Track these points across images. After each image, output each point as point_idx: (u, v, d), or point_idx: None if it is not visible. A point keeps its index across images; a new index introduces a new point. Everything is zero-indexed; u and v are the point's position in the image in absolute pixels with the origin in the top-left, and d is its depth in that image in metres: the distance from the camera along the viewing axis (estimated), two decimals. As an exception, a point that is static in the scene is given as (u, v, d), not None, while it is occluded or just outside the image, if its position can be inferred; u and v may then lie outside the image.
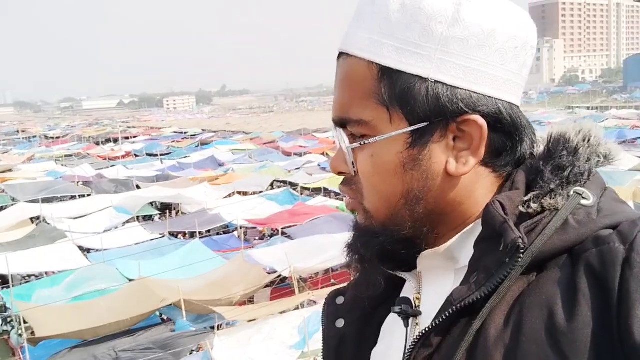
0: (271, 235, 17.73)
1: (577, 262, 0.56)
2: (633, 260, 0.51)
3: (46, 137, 67.62)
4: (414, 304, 0.69)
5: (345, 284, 0.85)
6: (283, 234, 16.33)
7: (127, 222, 19.90)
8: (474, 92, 0.62)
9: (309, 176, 25.60)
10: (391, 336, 0.73)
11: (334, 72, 0.70)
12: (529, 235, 0.58)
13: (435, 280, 0.69)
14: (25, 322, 11.10)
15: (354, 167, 0.67)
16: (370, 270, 0.74)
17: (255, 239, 18.19)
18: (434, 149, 0.64)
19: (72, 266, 13.83)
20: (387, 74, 0.64)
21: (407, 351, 0.63)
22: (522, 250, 0.56)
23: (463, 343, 0.58)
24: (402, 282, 0.75)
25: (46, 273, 14.84)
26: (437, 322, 0.60)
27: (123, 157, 41.40)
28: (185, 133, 60.50)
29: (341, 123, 0.68)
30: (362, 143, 0.66)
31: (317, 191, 23.32)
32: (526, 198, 0.61)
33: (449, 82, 0.62)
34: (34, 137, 69.69)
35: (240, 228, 17.61)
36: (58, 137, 64.59)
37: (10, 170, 34.07)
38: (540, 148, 0.68)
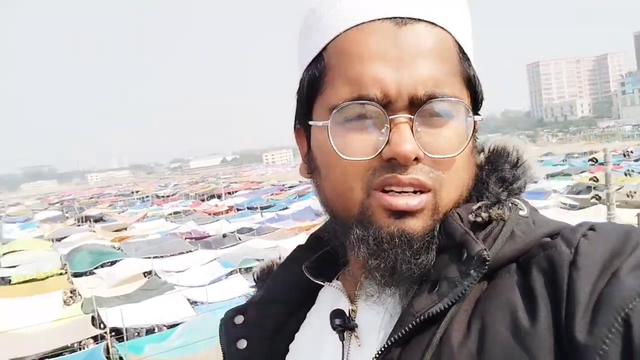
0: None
1: (528, 267, 0.58)
2: (579, 263, 0.54)
3: (157, 197, 72.33)
4: (349, 317, 0.67)
5: (243, 303, 0.80)
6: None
7: (230, 274, 20.74)
8: None
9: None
10: (317, 350, 0.69)
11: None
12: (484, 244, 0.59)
13: (373, 290, 0.65)
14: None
15: (465, 145, 0.62)
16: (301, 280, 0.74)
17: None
18: (475, 137, 0.66)
19: (180, 317, 14.62)
20: (464, 55, 0.63)
21: None
22: (487, 262, 0.57)
23: (426, 354, 0.56)
24: (311, 294, 0.75)
25: (157, 327, 15.70)
26: (399, 335, 0.58)
27: (226, 211, 43.29)
28: (283, 185, 62.72)
29: (427, 98, 0.60)
30: (481, 119, 0.65)
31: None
32: (475, 207, 0.62)
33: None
34: (147, 197, 74.49)
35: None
36: (168, 196, 69.60)
37: (125, 229, 36.69)
38: (480, 158, 0.69)
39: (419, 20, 0.61)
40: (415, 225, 0.61)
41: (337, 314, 0.67)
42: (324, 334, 0.68)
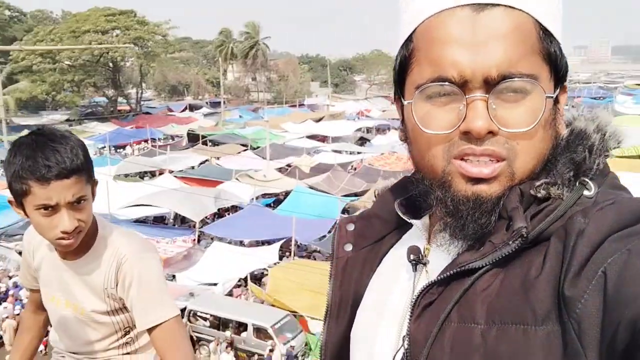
0: None
1: (553, 234, 0.66)
2: (586, 231, 0.61)
3: None
4: (422, 254, 0.78)
5: (357, 214, 0.92)
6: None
7: None
8: None
9: None
10: (396, 273, 0.81)
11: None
12: (532, 220, 0.66)
13: (444, 239, 0.75)
14: None
15: (538, 120, 0.66)
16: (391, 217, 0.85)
17: None
18: (556, 110, 0.71)
19: None
20: (546, 33, 0.67)
21: (414, 296, 0.73)
22: (524, 238, 0.65)
23: (457, 294, 0.68)
24: (404, 224, 0.85)
25: None
26: (442, 277, 0.70)
27: None
28: None
29: (501, 78, 0.65)
30: (556, 94, 0.69)
31: None
32: (537, 184, 0.68)
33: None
34: None
35: None
36: None
37: None
38: (564, 132, 0.73)
39: (497, 5, 0.65)
40: (489, 190, 0.68)
41: (412, 250, 0.78)
42: (403, 264, 0.80)
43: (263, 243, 14.99)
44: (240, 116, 44.51)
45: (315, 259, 14.67)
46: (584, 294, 0.58)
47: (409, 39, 0.72)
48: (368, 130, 35.83)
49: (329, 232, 14.19)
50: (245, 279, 13.21)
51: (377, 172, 20.35)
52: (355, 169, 22.49)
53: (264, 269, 13.36)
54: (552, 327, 0.61)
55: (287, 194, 18.53)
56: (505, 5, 0.65)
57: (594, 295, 0.57)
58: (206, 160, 25.70)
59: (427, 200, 0.75)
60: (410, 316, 0.73)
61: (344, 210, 16.67)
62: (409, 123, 0.74)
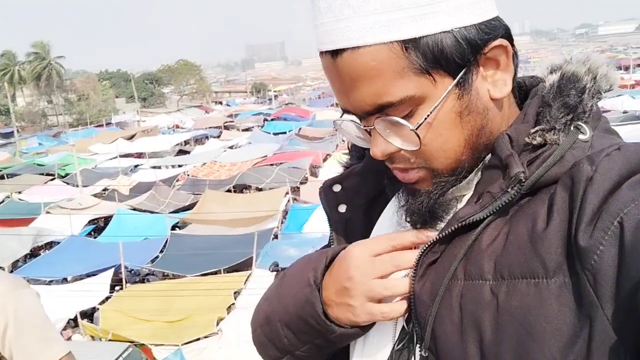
0: None
1: (557, 184, 0.65)
2: (594, 179, 0.60)
3: None
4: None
5: (339, 174, 0.90)
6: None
7: None
8: (488, 21, 0.67)
9: None
10: (396, 229, 0.80)
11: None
12: (530, 167, 0.66)
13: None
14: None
15: (418, 143, 0.67)
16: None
17: None
18: (476, 87, 0.68)
19: None
20: (411, 44, 0.64)
21: (417, 255, 0.72)
22: (523, 183, 0.65)
23: (462, 250, 0.68)
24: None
25: None
26: (444, 234, 0.70)
27: (632, 86, 38.29)
28: None
29: (377, 111, 0.67)
30: (425, 118, 0.66)
31: None
32: (532, 131, 0.68)
33: (468, 23, 0.65)
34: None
35: None
36: None
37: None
38: (551, 78, 0.73)
39: (344, 49, 0.65)
40: (422, 187, 0.73)
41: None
42: (401, 220, 0.78)
43: (89, 276, 13.83)
44: (40, 143, 40.42)
45: (149, 281, 13.94)
46: (599, 245, 0.56)
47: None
48: (186, 142, 35.03)
49: (161, 251, 13.60)
50: (75, 319, 12.06)
51: (203, 182, 20.02)
52: (178, 180, 21.84)
53: (96, 306, 12.35)
54: (565, 279, 0.60)
55: (107, 220, 17.31)
56: (351, 47, 0.65)
57: (610, 248, 0.56)
58: (7, 197, 22.90)
59: None
60: (414, 275, 0.72)
61: (174, 227, 16.10)
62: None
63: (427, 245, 0.71)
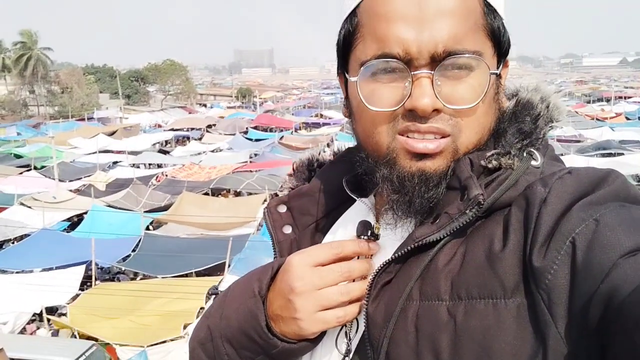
0: None
1: (512, 205, 0.66)
2: (548, 200, 0.61)
3: None
4: (373, 230, 0.78)
5: (283, 194, 0.89)
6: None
7: None
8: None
9: None
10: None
11: None
12: (486, 189, 0.67)
13: (393, 216, 0.74)
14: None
15: (482, 96, 0.67)
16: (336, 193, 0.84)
17: None
18: (499, 85, 0.72)
19: None
20: (489, 9, 0.68)
21: (371, 276, 0.71)
22: (482, 205, 0.65)
23: (418, 270, 0.67)
24: (348, 197, 0.83)
25: None
26: (399, 254, 0.69)
27: (612, 118, 38.68)
28: None
29: (445, 55, 0.65)
30: (499, 70, 0.70)
31: None
32: (488, 154, 0.70)
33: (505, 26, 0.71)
34: None
35: None
36: None
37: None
38: (507, 105, 0.75)
39: None
40: (434, 165, 0.68)
41: (363, 224, 0.77)
42: (351, 234, 0.78)
43: (59, 269, 13.63)
44: (18, 133, 39.75)
45: (119, 281, 13.78)
46: (552, 264, 0.57)
47: (353, 14, 0.71)
48: (167, 142, 34.79)
49: (134, 250, 13.46)
50: (41, 313, 11.86)
51: (181, 184, 19.88)
52: (157, 180, 21.66)
53: (63, 303, 12.16)
54: (522, 299, 0.60)
55: (81, 216, 17.06)
56: None
57: (563, 267, 0.57)
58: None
59: (372, 178, 0.73)
60: (368, 297, 0.70)
61: (149, 226, 15.94)
62: (354, 100, 0.73)
63: (380, 266, 0.70)
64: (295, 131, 37.03)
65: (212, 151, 28.96)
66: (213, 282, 10.98)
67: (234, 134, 32.94)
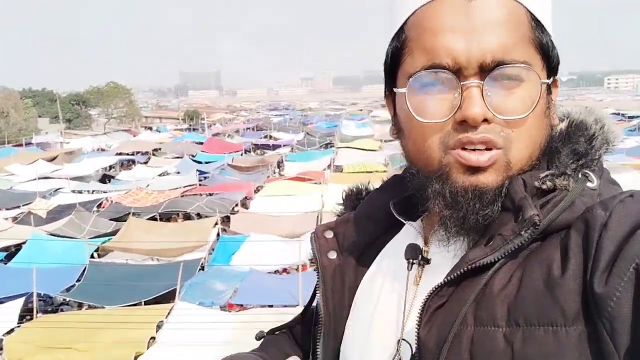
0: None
1: (570, 229, 0.64)
2: (609, 224, 0.60)
3: None
4: (422, 253, 0.77)
5: (332, 221, 0.90)
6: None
7: None
8: None
9: None
10: (391, 274, 0.79)
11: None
12: (541, 210, 0.65)
13: (445, 236, 0.73)
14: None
15: (533, 107, 0.66)
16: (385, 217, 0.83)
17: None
18: (549, 101, 0.71)
19: None
20: (537, 23, 0.68)
21: (422, 299, 0.69)
22: (537, 226, 0.63)
23: (472, 294, 0.65)
24: (395, 223, 0.83)
25: None
26: (452, 277, 0.67)
27: None
28: (622, 115, 54.32)
29: (494, 65, 0.65)
30: (550, 81, 0.70)
31: None
32: (542, 175, 0.68)
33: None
34: None
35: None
36: None
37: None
38: (559, 126, 0.74)
39: None
40: (487, 179, 0.67)
41: (412, 247, 0.76)
42: (398, 266, 0.77)
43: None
44: (-50, 161, 37.76)
45: (63, 312, 13.12)
46: (615, 291, 0.56)
47: (401, 30, 0.71)
48: (111, 167, 33.80)
49: (78, 280, 12.88)
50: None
51: (127, 209, 19.29)
52: (101, 206, 20.92)
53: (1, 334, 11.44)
54: (583, 328, 0.59)
55: (19, 246, 16.22)
56: None
57: (627, 293, 0.55)
58: None
59: (423, 195, 0.72)
60: (419, 321, 0.68)
61: (92, 255, 15.32)
62: (402, 113, 0.72)
63: (432, 289, 0.68)
64: (246, 152, 36.74)
65: (160, 175, 28.32)
66: (164, 311, 10.58)
67: (181, 157, 32.34)
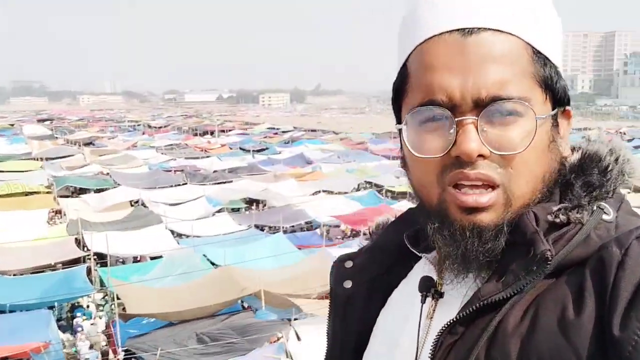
0: (353, 236, 18.08)
1: (585, 266, 0.62)
2: (625, 263, 0.58)
3: (149, 126, 72.63)
4: (436, 286, 0.75)
5: (355, 251, 0.91)
6: (364, 234, 15.20)
7: (218, 212, 20.88)
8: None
9: (397, 179, 24.80)
10: (408, 307, 0.78)
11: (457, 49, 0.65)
12: (555, 245, 0.64)
13: (457, 271, 0.71)
14: (118, 299, 11.94)
15: (530, 142, 0.64)
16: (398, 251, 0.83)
17: (337, 238, 18.56)
18: (554, 134, 0.70)
19: (163, 249, 14.77)
20: (537, 55, 0.67)
21: (434, 335, 0.69)
22: (549, 262, 0.62)
23: (485, 333, 0.64)
24: (410, 256, 0.82)
25: (139, 258, 15.78)
26: (464, 314, 0.66)
27: (218, 149, 42.68)
28: (277, 129, 61.85)
29: (490, 101, 0.64)
30: (552, 114, 0.68)
31: (402, 195, 22.76)
32: (555, 208, 0.66)
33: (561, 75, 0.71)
34: (139, 124, 75.74)
35: (323, 226, 18.34)
36: (160, 127, 69.94)
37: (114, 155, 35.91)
38: (572, 157, 0.72)
39: (485, 29, 0.65)
40: (486, 218, 0.65)
41: (426, 280, 0.75)
42: (414, 299, 0.76)
43: None
44: None
45: None
46: (634, 335, 0.55)
47: (404, 66, 0.73)
48: None
49: None
50: None
51: None
52: None
53: None
54: None
55: None
56: (493, 29, 0.65)
57: None
58: None
59: (427, 230, 0.72)
60: (432, 357, 0.68)
61: None
62: (405, 148, 0.73)
63: (445, 326, 0.68)
64: None
65: None
66: None
67: None
